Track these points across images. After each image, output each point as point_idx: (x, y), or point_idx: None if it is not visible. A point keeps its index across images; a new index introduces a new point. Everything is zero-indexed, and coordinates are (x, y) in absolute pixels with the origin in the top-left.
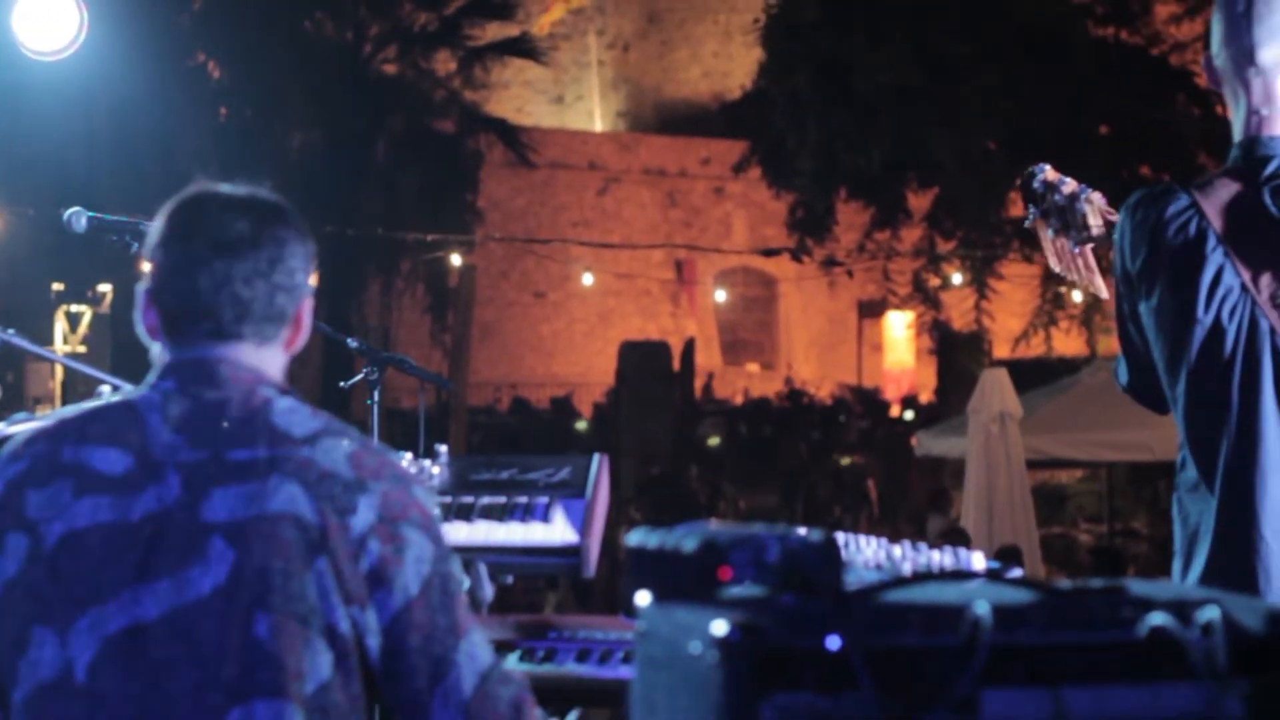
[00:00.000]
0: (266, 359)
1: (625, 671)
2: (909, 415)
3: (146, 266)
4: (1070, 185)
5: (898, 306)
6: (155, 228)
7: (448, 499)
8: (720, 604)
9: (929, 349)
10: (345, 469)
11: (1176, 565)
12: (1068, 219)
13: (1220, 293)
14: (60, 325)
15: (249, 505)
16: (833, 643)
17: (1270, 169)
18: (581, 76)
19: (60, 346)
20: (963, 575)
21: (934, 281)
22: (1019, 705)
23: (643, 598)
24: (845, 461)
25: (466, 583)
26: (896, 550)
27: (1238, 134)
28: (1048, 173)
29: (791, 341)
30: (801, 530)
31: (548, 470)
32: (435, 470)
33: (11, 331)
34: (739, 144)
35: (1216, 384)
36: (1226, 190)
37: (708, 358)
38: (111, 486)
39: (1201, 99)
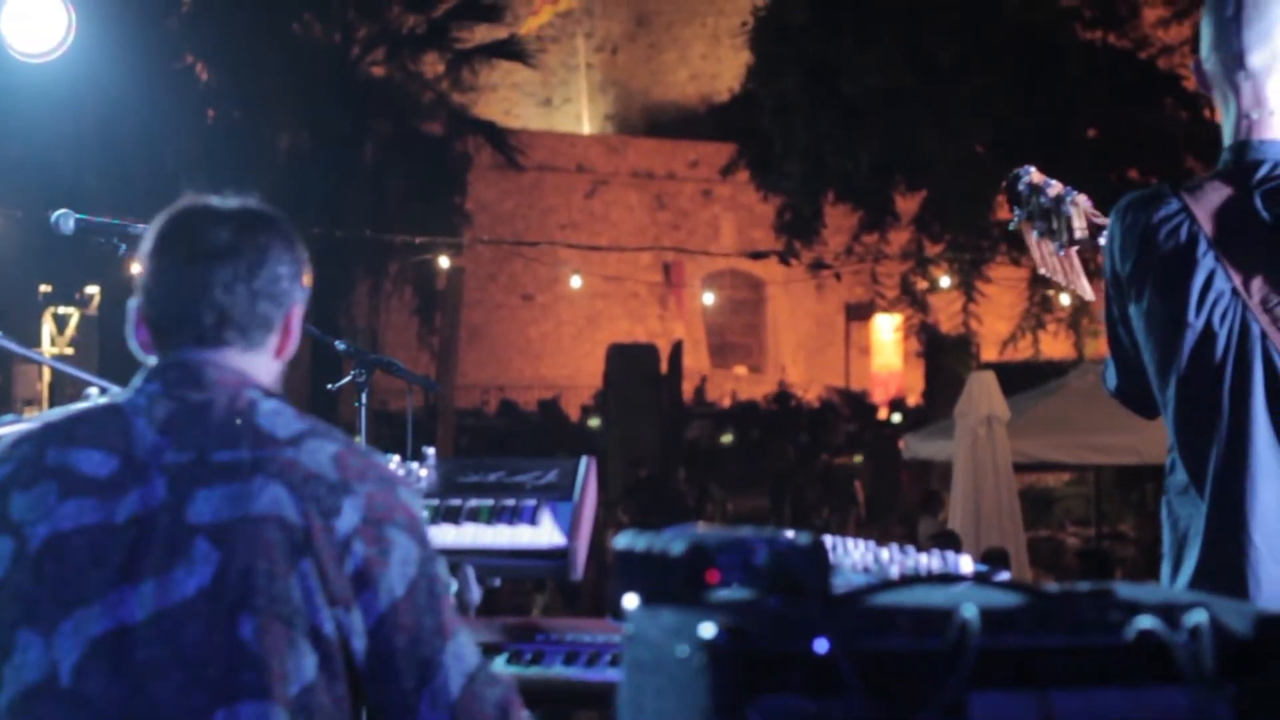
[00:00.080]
0: (253, 364)
1: (613, 674)
2: (896, 418)
3: (136, 280)
4: (1055, 187)
5: (885, 309)
6: (143, 243)
7: (435, 501)
8: (708, 607)
9: (917, 352)
10: (330, 470)
11: (1165, 569)
12: (1053, 222)
13: (1211, 297)
14: (48, 327)
15: (233, 506)
16: (820, 646)
17: (1261, 173)
18: (570, 79)
19: (48, 348)
20: (950, 578)
21: (922, 284)
22: (1007, 709)
23: (630, 600)
24: (837, 460)
25: (453, 585)
26: (884, 553)
27: (1228, 138)
28: (1033, 175)
29: (779, 344)
30: (789, 533)
31: (535, 473)
32: (423, 473)
33: None
34: (727, 147)
35: (1207, 388)
36: (1217, 194)
37: (695, 360)
38: (96, 488)
39: (1190, 102)
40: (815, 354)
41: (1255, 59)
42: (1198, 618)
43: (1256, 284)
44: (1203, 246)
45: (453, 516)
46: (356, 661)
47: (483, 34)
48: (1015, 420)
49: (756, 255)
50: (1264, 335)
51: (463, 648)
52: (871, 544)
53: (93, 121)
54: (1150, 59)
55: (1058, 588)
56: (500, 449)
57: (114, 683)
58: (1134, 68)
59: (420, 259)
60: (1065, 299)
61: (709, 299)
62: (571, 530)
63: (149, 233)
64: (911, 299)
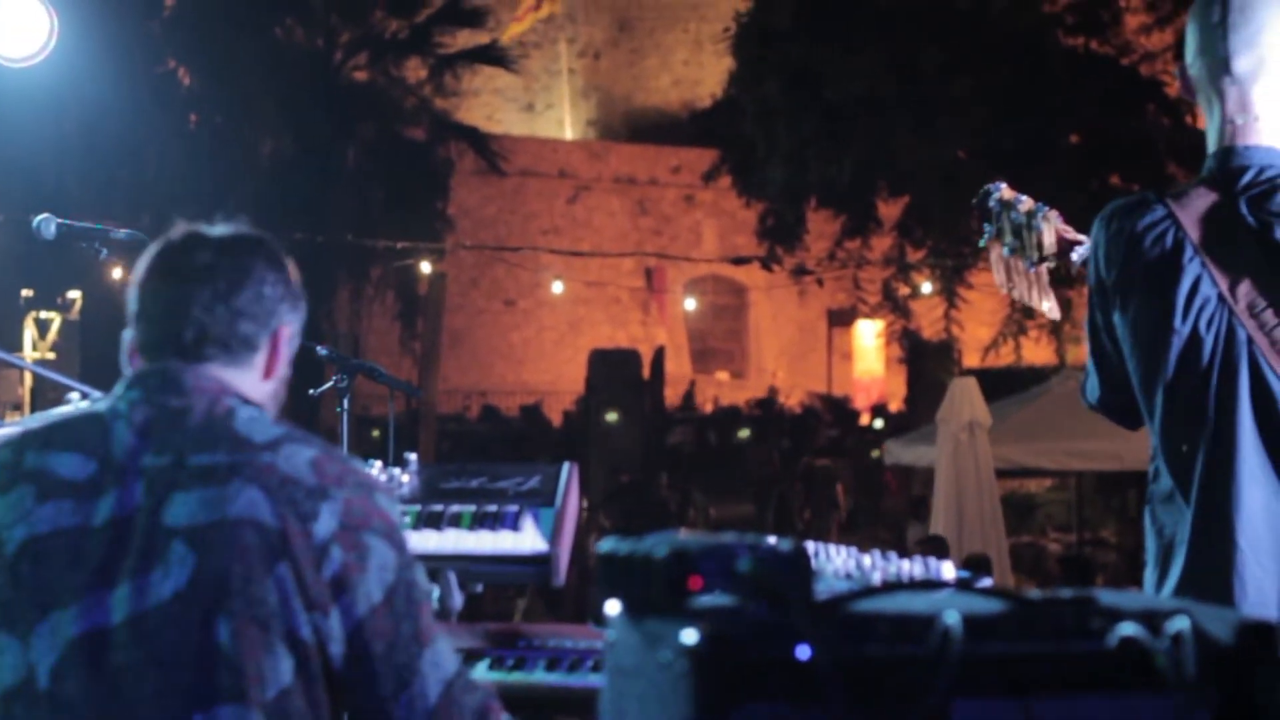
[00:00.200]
0: (237, 379)
1: (595, 680)
2: (879, 424)
3: (127, 309)
4: (1027, 203)
5: (868, 315)
6: (135, 273)
7: (417, 507)
8: (689, 613)
9: (899, 358)
10: (308, 475)
11: (1151, 577)
12: (1024, 237)
13: (1198, 303)
14: (29, 332)
15: (210, 510)
16: (803, 653)
17: (1246, 179)
18: (552, 84)
19: (29, 353)
20: (932, 585)
21: (904, 290)
22: (989, 715)
23: (612, 607)
24: (818, 462)
25: (435, 591)
26: (866, 559)
27: (1212, 144)
28: (1003, 191)
29: (761, 350)
30: (771, 539)
31: (517, 479)
32: (405, 478)
33: None
34: (709, 152)
35: (1193, 394)
36: (1202, 200)
37: (678, 366)
38: (74, 491)
39: (1172, 109)
40: (797, 360)
41: (1240, 64)
42: (1179, 624)
43: (1243, 289)
44: (1188, 252)
45: (435, 522)
46: (334, 666)
47: (465, 39)
48: (997, 426)
49: (739, 261)
50: (1250, 340)
51: (441, 654)
52: (853, 550)
53: (75, 126)
54: (1132, 65)
55: (1040, 594)
56: (482, 454)
57: (91, 685)
58: (1116, 74)
59: (402, 264)
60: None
61: (691, 304)
62: (553, 536)
63: (140, 263)
64: (894, 305)
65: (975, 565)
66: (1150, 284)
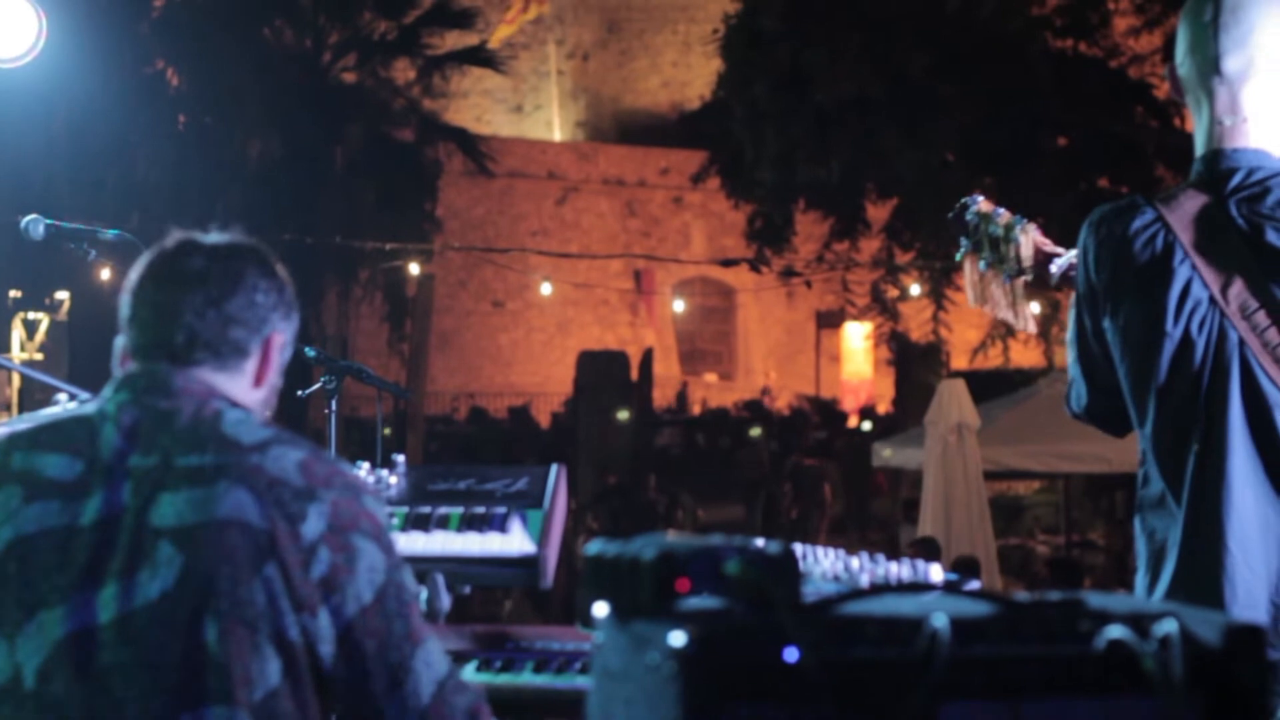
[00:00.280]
0: (226, 384)
1: (583, 682)
2: (867, 426)
3: (120, 315)
4: (1005, 216)
5: (856, 317)
6: (129, 279)
7: (405, 509)
8: (678, 616)
9: (887, 360)
10: (295, 477)
11: (1143, 582)
12: (1001, 250)
13: (1189, 305)
14: (17, 332)
15: (197, 511)
16: (790, 655)
17: (1236, 180)
18: (541, 86)
19: (17, 354)
20: (921, 587)
21: (892, 292)
22: (977, 718)
23: (600, 609)
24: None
25: (423, 592)
26: (854, 561)
27: (1200, 145)
28: (981, 204)
29: (750, 352)
30: (760, 541)
31: (505, 480)
32: (392, 480)
33: None
34: (698, 154)
35: (1185, 397)
36: (1192, 203)
37: (666, 368)
38: (61, 491)
39: (1160, 111)
40: (785, 361)
41: (1231, 64)
42: (1167, 627)
43: (1234, 291)
44: (1179, 255)
45: (422, 524)
46: (324, 667)
47: (454, 40)
48: (985, 428)
49: (727, 263)
50: (1242, 342)
51: (433, 655)
52: (842, 552)
53: (63, 127)
54: (1120, 68)
55: (1028, 596)
56: (470, 456)
57: (78, 686)
58: (1104, 77)
59: (391, 265)
60: (1035, 307)
61: (679, 306)
62: (541, 538)
63: (133, 270)
64: (882, 307)
65: (964, 568)
66: (1141, 287)
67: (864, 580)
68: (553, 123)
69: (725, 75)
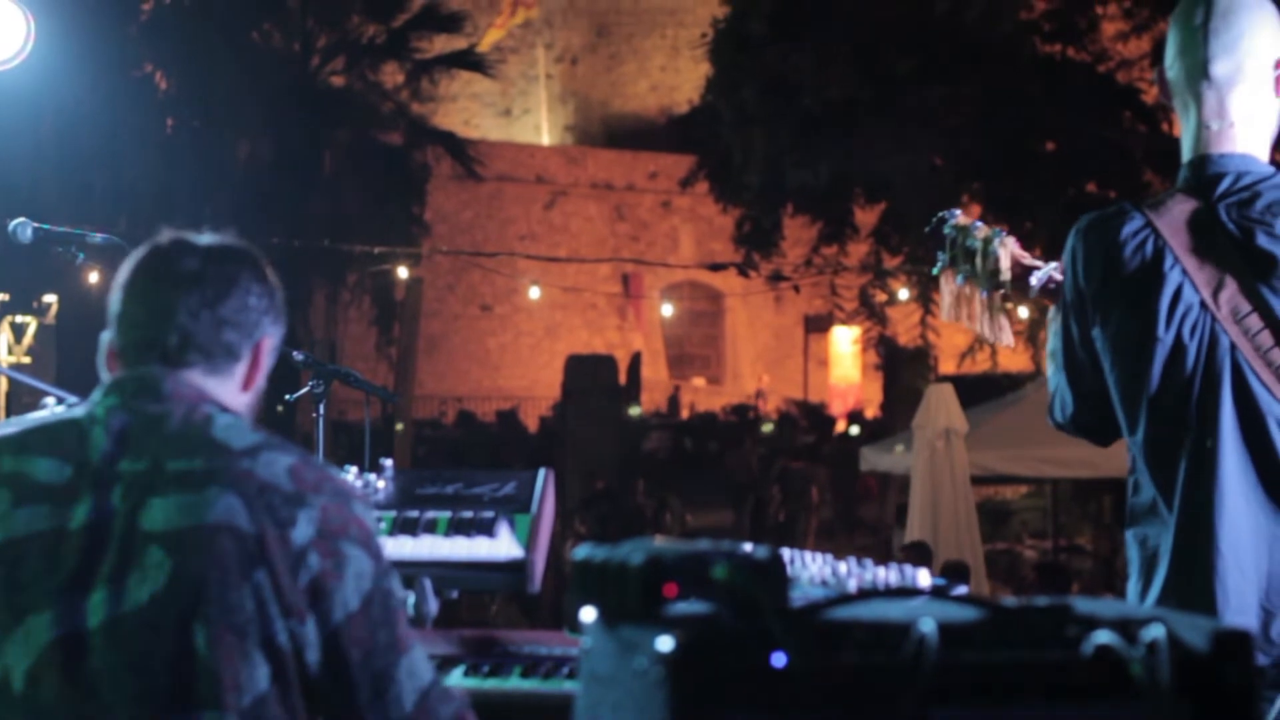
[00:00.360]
0: (217, 388)
1: (571, 687)
2: (854, 430)
3: (108, 312)
4: (983, 229)
5: (844, 321)
6: (118, 276)
7: (392, 513)
8: (665, 621)
9: (875, 364)
10: (285, 482)
11: (1135, 588)
12: (978, 263)
13: (1180, 310)
14: (5, 336)
15: (187, 516)
16: (778, 660)
17: (1224, 186)
18: (529, 90)
19: (5, 357)
20: (908, 592)
21: (880, 297)
22: None
23: (588, 614)
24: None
25: (410, 599)
26: (842, 566)
27: (1187, 149)
28: (959, 218)
29: (738, 356)
30: (747, 547)
31: (493, 485)
32: (380, 484)
33: None
34: (686, 158)
35: (1177, 401)
36: (1181, 208)
37: (654, 372)
38: (50, 495)
39: (1148, 116)
40: (774, 366)
41: (1219, 68)
42: (1155, 633)
43: (1225, 296)
44: (1169, 260)
45: (410, 528)
46: (310, 674)
47: (442, 44)
48: (973, 433)
49: (715, 267)
50: (1233, 347)
51: (417, 663)
52: (829, 557)
53: (51, 130)
54: (1109, 73)
55: (1015, 602)
56: (458, 460)
57: (67, 690)
58: (1092, 81)
59: (379, 269)
60: (1024, 311)
61: (668, 310)
62: (529, 542)
63: (124, 266)
64: (870, 311)
65: (952, 573)
66: (1131, 294)
67: (851, 585)
68: (541, 127)
69: (713, 79)
